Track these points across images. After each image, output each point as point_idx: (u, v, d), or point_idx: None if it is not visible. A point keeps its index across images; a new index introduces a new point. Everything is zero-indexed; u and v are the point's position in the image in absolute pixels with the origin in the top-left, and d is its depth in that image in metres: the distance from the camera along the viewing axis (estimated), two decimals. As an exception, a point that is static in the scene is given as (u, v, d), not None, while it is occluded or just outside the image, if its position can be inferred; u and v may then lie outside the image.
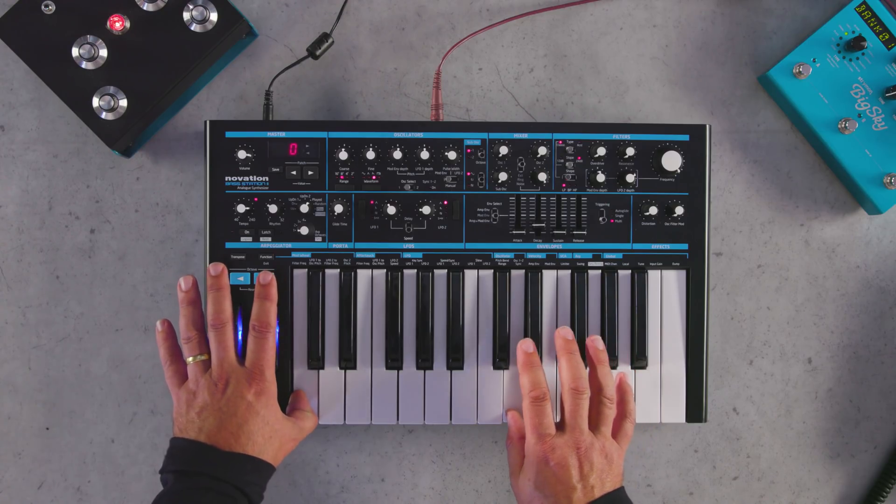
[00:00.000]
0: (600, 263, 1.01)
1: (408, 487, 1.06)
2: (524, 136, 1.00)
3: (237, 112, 1.05)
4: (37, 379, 1.05)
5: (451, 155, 0.99)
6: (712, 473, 1.07)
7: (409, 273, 1.01)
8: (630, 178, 1.00)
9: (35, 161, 1.05)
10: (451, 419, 1.01)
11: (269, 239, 1.00)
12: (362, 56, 1.06)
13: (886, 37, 1.03)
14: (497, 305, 1.01)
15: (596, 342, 0.99)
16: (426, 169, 1.00)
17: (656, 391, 1.01)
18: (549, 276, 1.01)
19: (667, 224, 1.01)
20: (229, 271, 0.99)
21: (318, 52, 1.02)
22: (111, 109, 0.99)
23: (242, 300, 0.99)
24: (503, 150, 1.00)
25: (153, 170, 1.05)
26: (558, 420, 0.97)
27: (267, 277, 0.98)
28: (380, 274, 1.01)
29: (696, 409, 1.01)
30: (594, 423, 0.96)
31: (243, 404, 0.93)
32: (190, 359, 0.96)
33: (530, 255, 1.01)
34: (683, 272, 1.02)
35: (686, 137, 1.01)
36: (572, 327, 1.01)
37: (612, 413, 0.97)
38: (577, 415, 0.95)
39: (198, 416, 0.93)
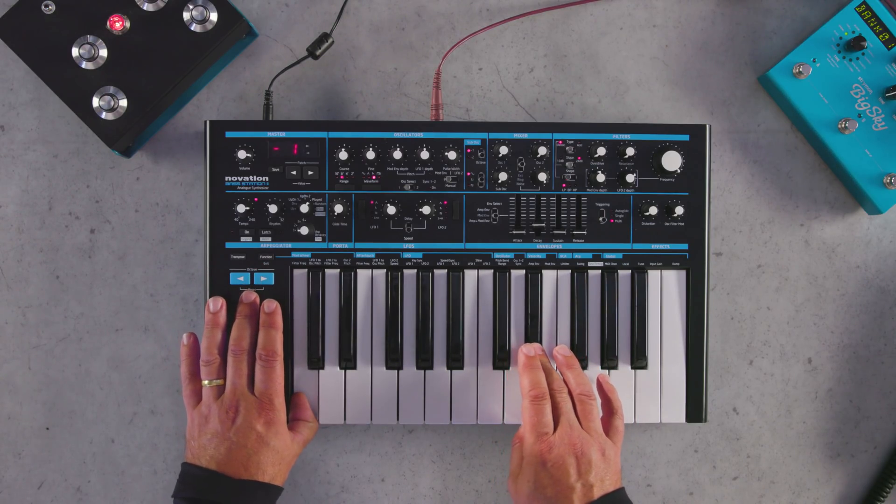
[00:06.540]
0: (600, 263, 1.01)
1: (408, 487, 1.06)
2: (524, 136, 1.00)
3: (237, 112, 1.05)
4: (37, 379, 1.05)
5: (451, 155, 0.99)
6: (712, 473, 1.07)
7: (409, 273, 1.01)
8: (630, 178, 1.00)
9: (35, 161, 1.05)
10: (451, 419, 1.01)
11: (269, 239, 1.00)
12: (362, 56, 1.06)
13: (886, 37, 1.03)
14: (497, 305, 1.01)
15: (562, 349, 1.00)
16: (426, 169, 1.00)
17: (656, 391, 1.01)
18: (549, 276, 1.01)
19: (667, 224, 1.01)
20: (229, 271, 0.99)
21: (318, 52, 1.02)
22: (111, 109, 0.99)
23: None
24: (503, 150, 1.00)
25: (153, 170, 1.05)
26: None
27: (272, 305, 0.98)
28: (380, 274, 1.01)
29: (696, 409, 1.01)
30: (582, 422, 0.96)
31: (253, 435, 0.94)
32: (206, 382, 0.96)
33: (530, 255, 1.01)
34: (683, 272, 1.02)
35: (686, 137, 1.01)
36: (572, 327, 1.01)
37: (594, 408, 0.97)
38: (564, 409, 0.95)
39: (209, 442, 0.94)
